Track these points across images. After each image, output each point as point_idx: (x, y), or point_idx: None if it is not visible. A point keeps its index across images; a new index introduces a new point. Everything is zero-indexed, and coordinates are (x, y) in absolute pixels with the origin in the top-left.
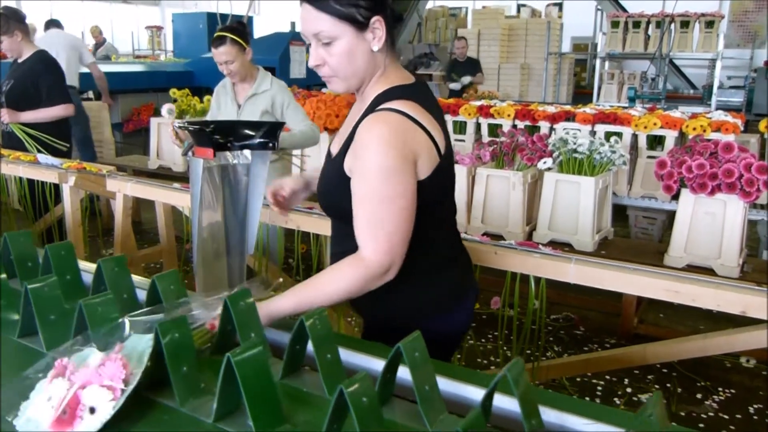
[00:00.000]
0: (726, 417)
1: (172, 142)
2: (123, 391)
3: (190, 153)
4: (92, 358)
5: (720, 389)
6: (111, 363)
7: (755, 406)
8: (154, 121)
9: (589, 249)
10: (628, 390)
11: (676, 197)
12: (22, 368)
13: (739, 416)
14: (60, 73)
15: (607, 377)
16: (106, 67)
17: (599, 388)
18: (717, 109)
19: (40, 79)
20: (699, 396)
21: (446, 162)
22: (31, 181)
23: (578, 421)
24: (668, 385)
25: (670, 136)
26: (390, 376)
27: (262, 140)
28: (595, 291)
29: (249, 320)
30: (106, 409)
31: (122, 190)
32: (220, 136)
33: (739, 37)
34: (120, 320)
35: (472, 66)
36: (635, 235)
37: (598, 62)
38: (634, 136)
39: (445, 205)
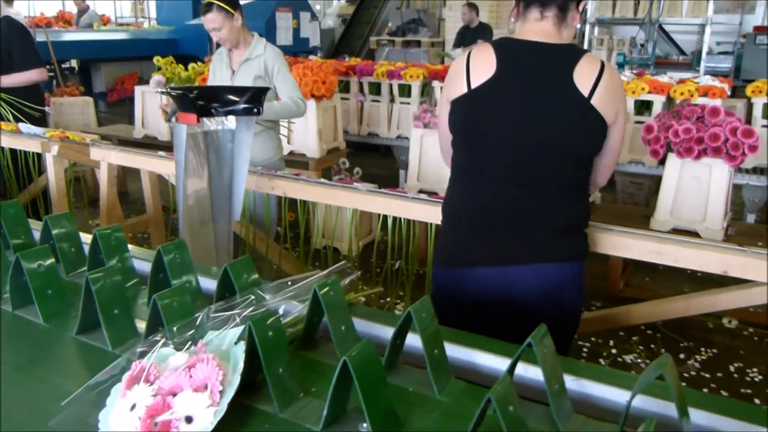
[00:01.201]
0: (707, 376)
1: (160, 116)
2: (221, 394)
3: (173, 119)
4: (174, 359)
5: (702, 349)
6: (203, 364)
7: (736, 365)
8: (138, 90)
9: None
10: (613, 351)
11: (662, 162)
12: (86, 370)
13: (720, 375)
14: (30, 38)
15: (593, 339)
16: (88, 36)
17: (585, 349)
18: (705, 74)
19: (12, 44)
20: (682, 356)
21: None
22: (13, 152)
23: (595, 386)
24: (652, 346)
25: (658, 101)
26: (399, 342)
27: (246, 106)
28: None
29: (339, 312)
30: (206, 417)
31: (106, 158)
32: (204, 101)
33: (728, 2)
34: (195, 315)
35: (483, 32)
36: (622, 201)
37: (587, 27)
38: None
39: None
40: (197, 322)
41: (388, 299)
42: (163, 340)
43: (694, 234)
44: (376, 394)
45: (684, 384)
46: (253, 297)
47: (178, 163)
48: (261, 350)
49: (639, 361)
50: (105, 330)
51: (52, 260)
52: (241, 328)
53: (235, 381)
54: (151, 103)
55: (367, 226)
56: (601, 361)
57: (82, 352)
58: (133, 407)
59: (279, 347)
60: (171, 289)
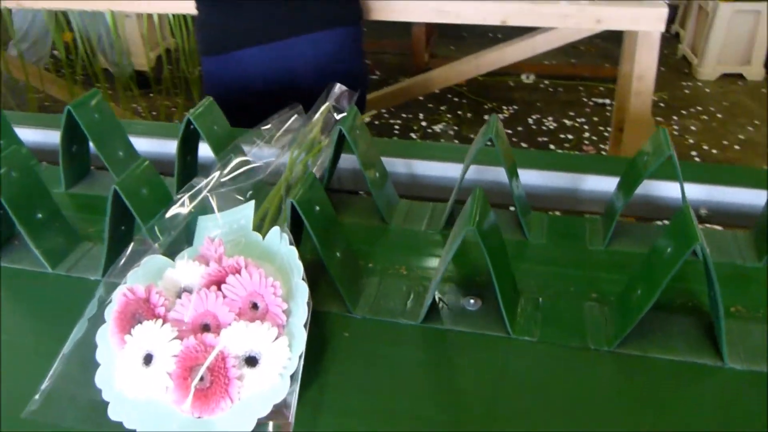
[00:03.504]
0: (509, 131)
1: None
2: (286, 314)
3: None
4: (177, 273)
5: (504, 107)
6: (239, 275)
7: (534, 116)
8: None
9: None
10: (423, 124)
11: None
12: (32, 315)
13: (520, 128)
14: None
15: (403, 115)
16: None
17: (396, 127)
18: None
19: None
20: (486, 117)
21: None
22: None
23: (422, 164)
24: (459, 112)
25: None
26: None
27: None
28: (383, 32)
29: (370, 152)
30: (277, 353)
31: None
32: None
33: None
34: (175, 198)
35: None
36: None
37: None
38: None
39: None
40: (184, 212)
41: None
42: (142, 247)
43: None
44: None
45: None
46: (238, 159)
47: None
48: (316, 238)
49: (448, 129)
50: (32, 244)
51: None
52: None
53: (300, 289)
54: None
55: (154, 37)
56: (413, 135)
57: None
58: (148, 359)
59: (333, 226)
60: (133, 169)
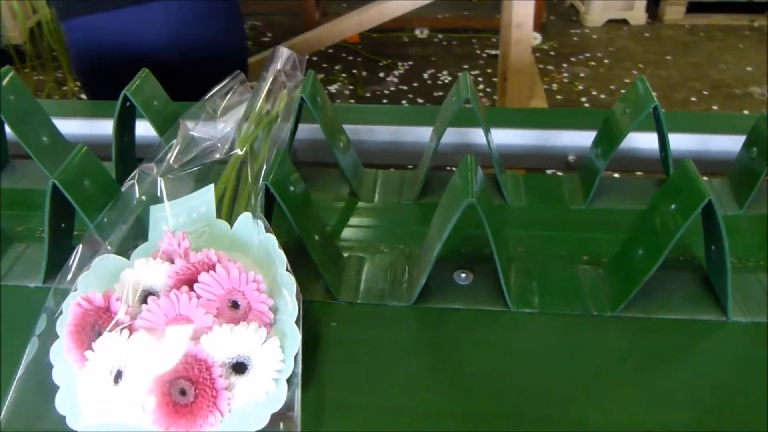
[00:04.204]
0: (405, 88)
1: None
2: (273, 311)
3: None
4: (135, 273)
5: (399, 64)
6: (219, 266)
7: (429, 71)
8: None
9: None
10: None
11: None
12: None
13: (415, 84)
14: None
15: None
16: None
17: None
18: None
19: None
20: (382, 75)
21: None
22: None
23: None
24: (354, 71)
25: None
26: None
27: None
28: None
29: (334, 120)
30: (269, 354)
31: None
32: None
33: None
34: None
35: None
36: None
37: None
38: None
39: None
40: (133, 203)
41: None
42: (90, 247)
43: None
44: None
45: (386, 101)
46: (185, 137)
47: None
48: (294, 221)
49: (343, 89)
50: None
51: None
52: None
53: (286, 281)
54: None
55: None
56: None
57: None
58: (117, 376)
59: (308, 207)
60: (72, 158)
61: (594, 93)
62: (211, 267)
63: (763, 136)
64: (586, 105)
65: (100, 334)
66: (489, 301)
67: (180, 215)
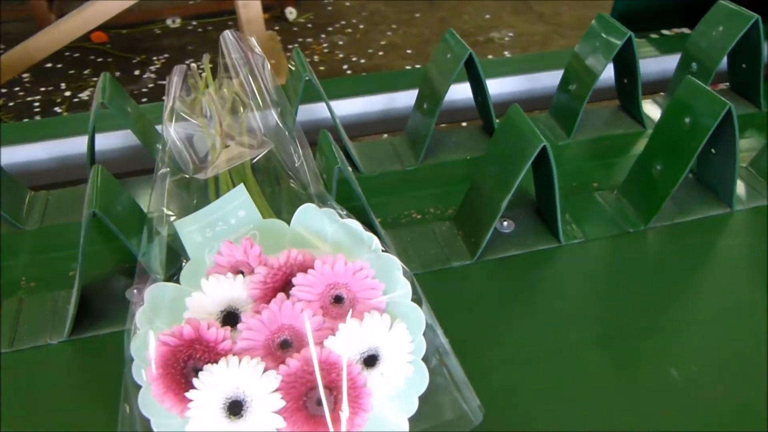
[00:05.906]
0: (163, 83)
1: None
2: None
3: None
4: (210, 292)
5: (155, 58)
6: (319, 262)
7: (187, 60)
8: None
9: None
10: (67, 94)
11: None
12: None
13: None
14: None
15: (42, 89)
16: None
17: (36, 104)
18: None
19: None
20: (137, 72)
21: None
22: None
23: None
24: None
25: None
26: None
27: None
28: None
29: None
30: (400, 338)
31: None
32: None
33: None
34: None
35: None
36: None
37: None
38: None
39: None
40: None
41: None
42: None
43: None
44: None
45: (146, 100)
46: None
47: None
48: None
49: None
50: None
51: None
52: None
53: (386, 261)
54: None
55: None
56: (58, 109)
57: None
58: (236, 408)
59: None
60: (94, 180)
61: (354, 59)
62: (305, 266)
63: (576, 71)
64: (348, 72)
65: (197, 369)
66: (539, 241)
67: (214, 224)
